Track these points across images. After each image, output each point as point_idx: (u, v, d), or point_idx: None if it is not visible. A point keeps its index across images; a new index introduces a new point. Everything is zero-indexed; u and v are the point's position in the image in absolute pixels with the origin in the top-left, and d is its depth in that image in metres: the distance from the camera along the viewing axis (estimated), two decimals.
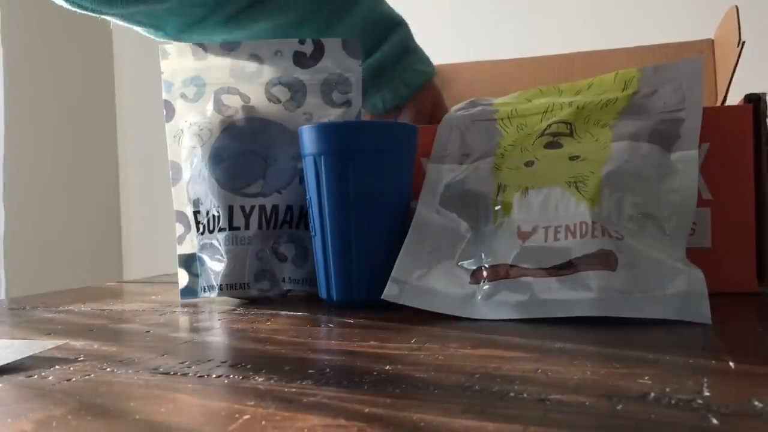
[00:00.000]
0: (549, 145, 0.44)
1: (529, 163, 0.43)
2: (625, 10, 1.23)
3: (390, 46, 0.59)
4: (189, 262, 0.51)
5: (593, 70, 0.70)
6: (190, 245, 0.51)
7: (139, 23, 0.55)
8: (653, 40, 0.73)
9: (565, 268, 0.38)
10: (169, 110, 0.53)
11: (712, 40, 0.69)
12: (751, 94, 0.44)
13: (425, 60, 0.63)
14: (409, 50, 0.61)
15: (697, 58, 0.45)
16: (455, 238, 0.43)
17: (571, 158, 0.42)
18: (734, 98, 0.53)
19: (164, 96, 0.53)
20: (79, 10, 0.52)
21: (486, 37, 1.34)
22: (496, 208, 0.42)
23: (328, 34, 0.57)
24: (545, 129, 0.45)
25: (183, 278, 0.51)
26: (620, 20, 1.23)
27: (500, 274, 0.39)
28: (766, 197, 0.44)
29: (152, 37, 0.57)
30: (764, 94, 0.44)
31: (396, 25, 0.60)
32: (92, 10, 0.52)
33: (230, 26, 0.55)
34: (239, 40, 0.55)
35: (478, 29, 1.37)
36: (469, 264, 0.41)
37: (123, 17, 0.54)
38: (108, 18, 0.54)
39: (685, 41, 0.71)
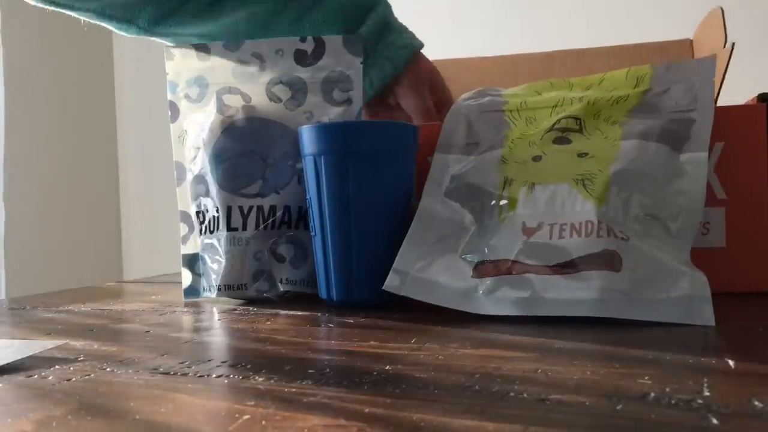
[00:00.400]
0: (558, 141, 0.44)
1: (536, 158, 0.43)
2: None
3: (370, 25, 0.57)
4: (192, 261, 0.51)
5: (572, 69, 0.70)
6: (193, 245, 0.52)
7: (111, 18, 0.54)
8: (632, 40, 0.74)
9: (568, 267, 0.37)
10: (174, 111, 0.53)
11: (691, 41, 0.69)
12: (764, 94, 0.44)
13: (410, 35, 0.59)
14: (391, 27, 0.58)
15: (711, 59, 0.45)
16: (459, 231, 0.42)
17: (580, 155, 0.42)
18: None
19: (169, 97, 0.53)
20: (50, 7, 0.52)
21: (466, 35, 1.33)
22: (502, 202, 0.42)
23: (306, 19, 0.55)
24: (554, 124, 0.44)
25: (186, 278, 0.51)
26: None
27: (502, 269, 0.39)
28: None
29: (123, 33, 0.56)
30: None
31: (375, 3, 0.58)
32: (64, 6, 0.51)
33: (204, 16, 0.54)
34: (213, 31, 0.53)
35: (471, 27, 1.38)
36: (472, 257, 0.41)
37: (95, 11, 0.52)
38: (78, 14, 0.53)
39: (665, 41, 0.71)
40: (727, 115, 0.43)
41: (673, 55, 0.69)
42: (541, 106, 0.46)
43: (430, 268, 0.41)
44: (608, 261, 0.37)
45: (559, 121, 0.44)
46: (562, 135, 0.44)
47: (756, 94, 0.45)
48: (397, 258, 0.41)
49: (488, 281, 0.39)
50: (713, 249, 0.43)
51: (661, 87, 0.44)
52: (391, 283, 0.40)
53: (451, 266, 0.40)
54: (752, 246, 0.43)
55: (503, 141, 0.45)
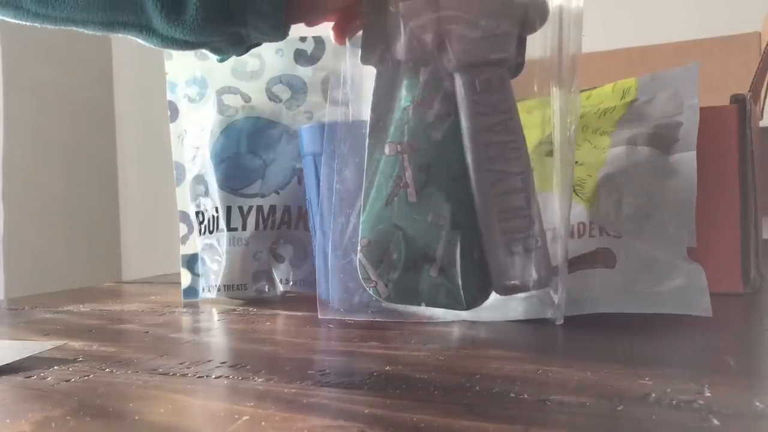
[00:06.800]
0: (548, 154, 0.44)
1: None
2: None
3: None
4: (192, 262, 0.51)
5: (636, 67, 0.70)
6: (192, 245, 0.51)
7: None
8: (698, 35, 0.73)
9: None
10: (173, 111, 0.53)
11: (760, 33, 0.69)
12: (737, 95, 0.44)
13: None
14: None
15: (694, 66, 0.45)
16: None
17: None
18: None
19: (168, 97, 0.53)
20: None
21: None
22: None
23: None
24: (544, 138, 0.45)
25: (186, 278, 0.51)
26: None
27: None
28: (750, 198, 0.44)
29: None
30: (750, 94, 0.44)
31: None
32: None
33: None
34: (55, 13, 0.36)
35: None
36: None
37: None
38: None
39: (733, 35, 0.71)
40: (700, 116, 0.43)
41: (740, 49, 0.69)
42: (531, 124, 0.47)
43: None
44: (603, 259, 0.37)
45: (549, 135, 0.45)
46: (551, 148, 0.44)
47: None
48: None
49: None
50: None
51: (646, 96, 0.45)
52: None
53: None
54: (722, 247, 0.43)
55: None
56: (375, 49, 0.37)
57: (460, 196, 0.35)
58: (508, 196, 0.35)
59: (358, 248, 0.37)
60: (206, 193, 0.50)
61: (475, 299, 0.35)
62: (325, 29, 0.41)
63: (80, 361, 0.30)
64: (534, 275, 0.34)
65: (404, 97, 0.37)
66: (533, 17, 0.36)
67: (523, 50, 0.37)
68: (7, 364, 0.29)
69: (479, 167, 0.35)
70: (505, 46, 0.35)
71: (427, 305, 0.37)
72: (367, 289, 0.37)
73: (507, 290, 0.35)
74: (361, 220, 0.37)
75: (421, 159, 0.36)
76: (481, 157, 0.35)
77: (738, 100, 0.44)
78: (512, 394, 0.23)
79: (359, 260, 0.36)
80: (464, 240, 0.35)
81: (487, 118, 0.35)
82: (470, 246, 0.35)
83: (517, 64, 0.37)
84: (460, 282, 0.35)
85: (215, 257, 0.49)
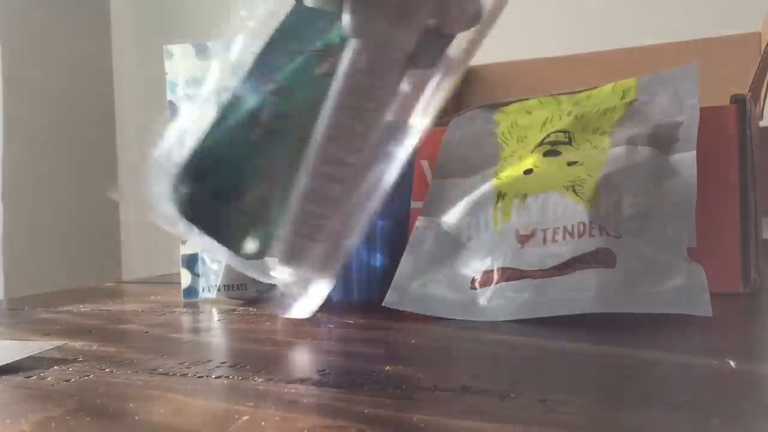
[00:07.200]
0: (548, 154, 0.44)
1: (528, 171, 0.44)
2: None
3: None
4: (192, 262, 0.51)
5: (636, 67, 0.70)
6: (193, 245, 0.51)
7: None
8: (698, 35, 0.73)
9: (564, 268, 0.38)
10: (174, 111, 0.53)
11: (759, 33, 0.69)
12: (737, 95, 0.44)
13: None
14: None
15: (692, 66, 0.45)
16: (456, 247, 0.43)
17: (569, 164, 0.43)
18: None
19: (168, 97, 0.52)
20: None
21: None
22: (497, 215, 0.42)
23: None
24: (544, 138, 0.45)
25: (186, 278, 0.51)
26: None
27: (500, 277, 0.39)
28: (750, 198, 0.44)
29: None
30: (750, 94, 0.44)
31: None
32: None
33: None
34: None
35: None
36: (470, 271, 0.41)
37: None
38: None
39: (733, 35, 0.71)
40: (700, 116, 0.43)
41: (740, 49, 0.69)
42: (531, 125, 0.47)
43: (429, 284, 0.41)
44: (602, 259, 0.37)
45: (548, 135, 0.45)
46: (551, 148, 0.44)
47: None
48: (395, 276, 0.42)
49: (487, 291, 0.39)
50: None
51: (646, 96, 0.45)
52: (390, 299, 0.41)
53: (449, 281, 0.41)
54: (722, 247, 0.43)
55: (496, 160, 0.46)
56: None
57: (294, 157, 0.33)
58: (326, 181, 0.32)
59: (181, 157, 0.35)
60: None
61: (245, 251, 0.35)
62: None
63: (80, 361, 0.30)
64: (309, 263, 0.32)
65: (310, 44, 0.36)
66: (460, 11, 0.31)
67: (442, 47, 0.33)
68: (7, 364, 0.29)
69: (317, 141, 0.32)
70: (405, 32, 0.31)
71: (204, 232, 0.35)
72: (169, 195, 0.35)
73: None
74: (198, 134, 0.35)
75: (283, 105, 0.35)
76: (322, 131, 0.32)
77: (738, 100, 0.44)
78: (512, 394, 0.23)
79: (177, 169, 0.35)
80: (271, 196, 0.34)
81: (347, 98, 0.32)
82: (276, 205, 0.34)
83: (420, 58, 0.32)
84: (244, 229, 0.34)
85: (215, 257, 0.49)
